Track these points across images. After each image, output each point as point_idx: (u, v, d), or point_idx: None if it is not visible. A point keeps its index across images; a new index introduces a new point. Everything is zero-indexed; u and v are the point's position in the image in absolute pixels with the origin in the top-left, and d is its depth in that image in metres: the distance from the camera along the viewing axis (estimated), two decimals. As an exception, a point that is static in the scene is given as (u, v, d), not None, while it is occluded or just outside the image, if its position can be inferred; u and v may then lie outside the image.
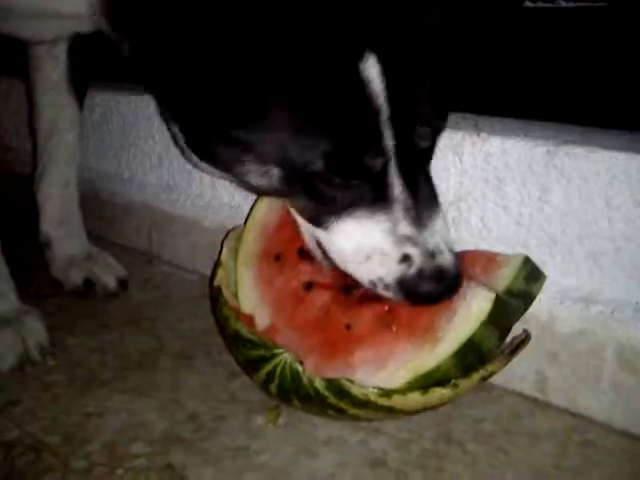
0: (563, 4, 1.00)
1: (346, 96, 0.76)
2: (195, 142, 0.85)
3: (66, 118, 1.24)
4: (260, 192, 0.95)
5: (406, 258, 0.84)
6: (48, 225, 1.27)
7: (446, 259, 0.84)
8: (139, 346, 1.10)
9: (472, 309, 0.85)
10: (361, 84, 0.75)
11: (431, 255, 0.83)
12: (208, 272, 1.31)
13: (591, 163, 0.89)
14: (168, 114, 0.87)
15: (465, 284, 0.87)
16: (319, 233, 0.88)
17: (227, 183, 1.29)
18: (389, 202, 0.83)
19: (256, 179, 0.83)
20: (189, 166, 1.34)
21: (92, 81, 1.28)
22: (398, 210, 0.83)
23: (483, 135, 0.97)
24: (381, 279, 0.85)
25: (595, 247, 0.91)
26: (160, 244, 1.40)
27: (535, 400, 0.96)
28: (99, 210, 1.49)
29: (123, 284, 1.26)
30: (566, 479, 0.82)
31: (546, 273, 0.93)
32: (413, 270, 0.83)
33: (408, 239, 0.83)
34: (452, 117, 0.95)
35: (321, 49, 0.75)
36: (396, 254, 0.84)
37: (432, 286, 0.84)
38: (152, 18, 0.78)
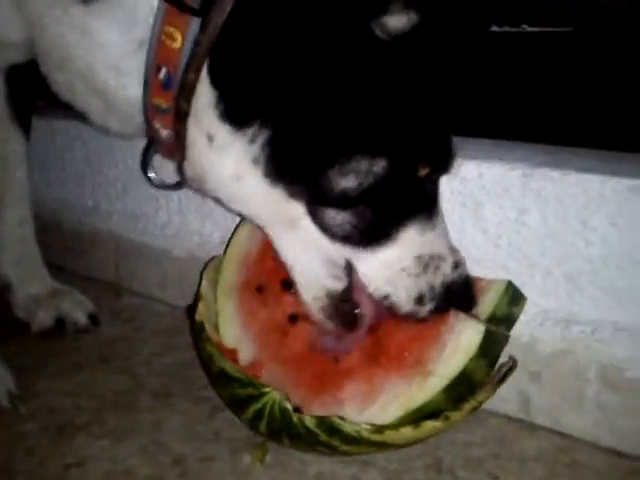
0: (528, 29, 1.01)
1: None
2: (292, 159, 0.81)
3: (13, 153, 1.19)
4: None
5: (457, 265, 0.88)
6: (6, 266, 1.22)
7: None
8: (114, 385, 1.06)
9: (462, 342, 0.85)
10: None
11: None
12: (180, 303, 1.29)
13: (567, 185, 0.90)
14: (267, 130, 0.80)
15: (453, 316, 0.87)
16: (360, 258, 0.85)
17: (195, 210, 1.28)
18: (435, 211, 0.87)
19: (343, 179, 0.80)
20: (156, 193, 1.32)
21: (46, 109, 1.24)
22: (440, 219, 0.88)
23: (458, 160, 0.97)
24: (433, 288, 0.86)
25: (573, 268, 0.92)
26: (128, 275, 1.36)
27: (520, 421, 0.97)
28: (63, 241, 1.44)
29: (94, 320, 1.22)
30: (558, 502, 0.83)
31: (526, 295, 0.94)
32: (458, 275, 0.88)
33: (454, 248, 0.89)
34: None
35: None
36: (450, 260, 0.88)
37: (469, 293, 0.89)
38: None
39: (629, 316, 0.89)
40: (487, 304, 0.91)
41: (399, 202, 0.84)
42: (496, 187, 0.95)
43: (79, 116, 0.93)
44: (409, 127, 0.81)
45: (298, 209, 0.83)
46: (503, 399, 0.96)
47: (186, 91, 0.79)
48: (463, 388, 0.85)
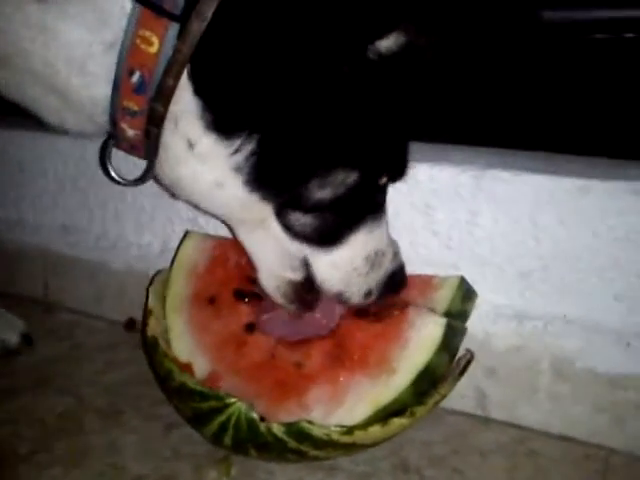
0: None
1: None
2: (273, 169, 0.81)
3: None
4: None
5: (395, 255, 0.94)
6: None
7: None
8: (56, 408, 0.99)
9: (425, 337, 0.86)
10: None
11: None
12: (117, 317, 1.23)
13: (517, 186, 0.94)
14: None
15: (413, 311, 0.88)
16: (316, 255, 0.88)
17: (133, 220, 1.22)
18: (382, 212, 0.92)
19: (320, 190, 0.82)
20: (89, 204, 1.26)
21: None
22: (385, 217, 0.92)
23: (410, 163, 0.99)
24: (378, 283, 0.91)
25: (524, 266, 0.95)
26: (58, 291, 1.29)
27: (477, 417, 0.99)
28: (-17, 257, 1.35)
29: (27, 339, 1.14)
30: (523, 491, 0.86)
31: (479, 293, 0.96)
32: (395, 265, 0.94)
33: (391, 238, 0.94)
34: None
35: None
36: (390, 252, 0.93)
37: (403, 276, 0.95)
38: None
39: (578, 310, 0.93)
40: (442, 300, 0.93)
41: (358, 208, 0.88)
42: (447, 189, 0.97)
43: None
44: (381, 142, 0.84)
45: (267, 211, 0.85)
46: (460, 396, 0.98)
47: (163, 96, 0.77)
48: (427, 383, 0.86)
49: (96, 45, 0.76)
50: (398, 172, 0.89)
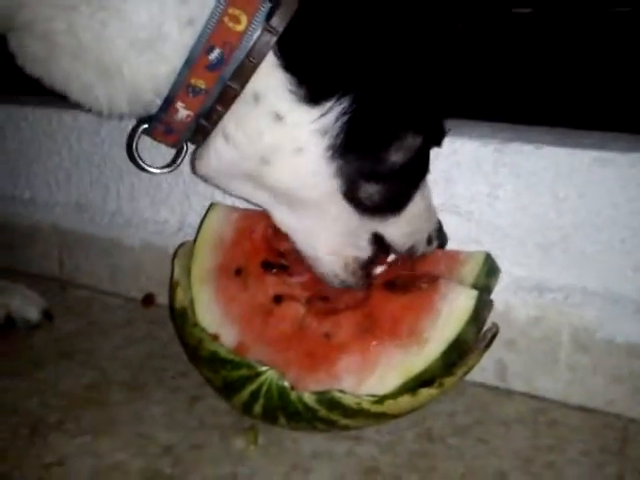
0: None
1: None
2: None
3: None
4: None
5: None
6: None
7: None
8: (81, 380, 1.00)
9: (456, 309, 0.87)
10: None
11: None
12: (133, 294, 1.23)
13: (538, 159, 0.95)
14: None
15: (444, 284, 0.89)
16: (387, 224, 0.91)
17: (149, 196, 1.22)
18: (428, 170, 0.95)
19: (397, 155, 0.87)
20: (104, 180, 1.26)
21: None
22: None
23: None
24: (434, 229, 0.96)
25: (545, 238, 0.96)
26: (73, 268, 1.28)
27: (497, 388, 1.00)
28: (-2, 236, 1.34)
29: (47, 315, 1.14)
30: (546, 457, 0.87)
31: (499, 265, 0.98)
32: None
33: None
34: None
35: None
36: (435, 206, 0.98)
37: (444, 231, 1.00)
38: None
39: (598, 281, 0.95)
40: (468, 275, 0.94)
41: (418, 171, 0.93)
42: (469, 163, 0.98)
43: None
44: (438, 110, 0.91)
45: (335, 187, 0.86)
46: (481, 368, 0.99)
47: (244, 75, 0.80)
48: (456, 354, 0.87)
49: (170, 23, 0.77)
50: (440, 138, 0.94)
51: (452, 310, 0.86)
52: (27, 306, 1.13)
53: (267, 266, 0.94)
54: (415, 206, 0.92)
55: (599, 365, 0.95)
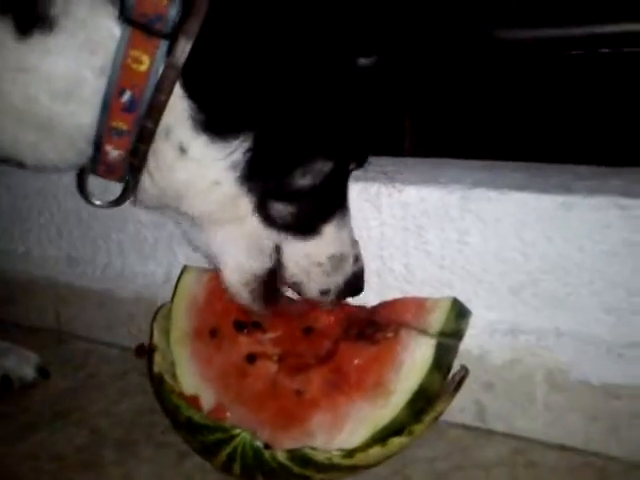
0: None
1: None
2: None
3: None
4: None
5: (356, 259, 1.00)
6: None
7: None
8: (75, 441, 1.03)
9: (417, 358, 0.90)
10: None
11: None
12: (127, 344, 1.27)
13: (503, 204, 0.95)
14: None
15: (405, 333, 0.91)
16: (290, 244, 0.95)
17: (136, 250, 1.26)
18: (347, 211, 1.00)
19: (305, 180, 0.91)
20: (93, 235, 1.30)
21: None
22: (349, 219, 1.00)
23: (398, 186, 1.01)
24: (336, 285, 0.98)
25: (515, 282, 0.97)
26: (70, 320, 1.33)
27: (477, 429, 1.02)
28: (-6, 290, 1.39)
29: (43, 372, 1.18)
30: (522, 504, 0.89)
31: (472, 310, 0.98)
32: (356, 268, 1.00)
33: (355, 240, 1.01)
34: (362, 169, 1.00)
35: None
36: (352, 255, 1.00)
37: (362, 283, 1.02)
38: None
39: (569, 322, 0.95)
40: (435, 322, 0.95)
41: (329, 198, 0.96)
42: (437, 210, 0.99)
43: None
44: (353, 135, 0.95)
45: (248, 205, 0.91)
46: (460, 409, 1.01)
47: (155, 112, 0.83)
48: (422, 401, 0.90)
49: (85, 73, 0.81)
50: (362, 160, 0.99)
51: (413, 360, 0.89)
52: (23, 365, 1.16)
53: (239, 326, 0.97)
54: (320, 242, 0.96)
55: (575, 405, 0.95)
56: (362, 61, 0.90)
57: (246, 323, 0.99)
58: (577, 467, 0.94)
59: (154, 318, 1.02)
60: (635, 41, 0.94)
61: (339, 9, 0.86)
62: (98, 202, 0.99)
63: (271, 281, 0.98)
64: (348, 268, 0.99)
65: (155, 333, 0.98)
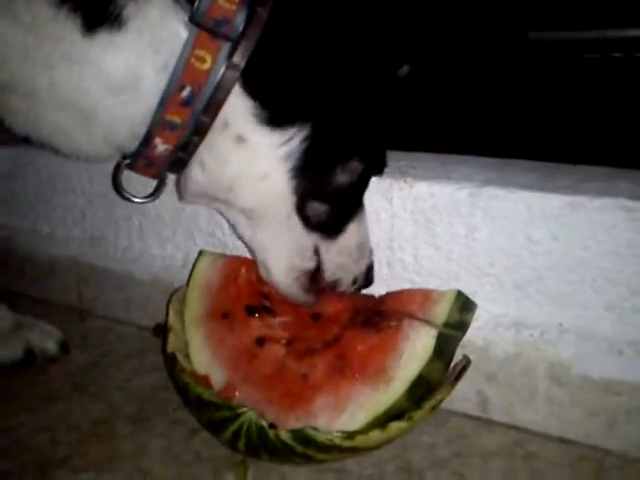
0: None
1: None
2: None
3: None
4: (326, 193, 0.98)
5: (371, 252, 1.07)
6: None
7: None
8: (91, 414, 1.08)
9: (417, 348, 0.93)
10: None
11: None
12: (144, 323, 1.32)
13: (511, 203, 0.98)
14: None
15: (407, 323, 0.94)
16: (326, 244, 1.00)
17: (156, 234, 1.30)
18: (364, 207, 1.04)
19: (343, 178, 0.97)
20: (115, 217, 1.34)
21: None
22: (365, 213, 1.05)
23: (410, 180, 1.04)
24: (362, 271, 1.04)
25: (520, 277, 1.00)
26: (91, 299, 1.38)
27: (479, 419, 1.05)
28: (19, 267, 1.44)
29: (64, 347, 1.23)
30: (518, 493, 0.92)
31: (478, 303, 1.01)
32: (370, 260, 1.07)
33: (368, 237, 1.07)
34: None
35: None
36: (369, 247, 1.06)
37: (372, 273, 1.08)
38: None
39: (572, 319, 0.98)
40: (440, 313, 0.97)
41: (356, 197, 1.03)
42: (447, 206, 1.02)
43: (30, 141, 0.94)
44: (382, 138, 1.02)
45: (291, 202, 0.95)
46: (463, 399, 1.04)
47: (213, 107, 0.88)
48: (423, 389, 0.93)
49: (146, 69, 0.86)
50: (381, 167, 1.04)
51: (414, 349, 0.92)
52: (46, 340, 1.21)
53: (250, 310, 1.01)
54: (348, 239, 1.01)
55: (576, 399, 0.98)
56: (402, 70, 0.97)
57: (257, 307, 1.02)
58: (575, 460, 0.96)
59: (170, 300, 1.06)
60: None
61: (386, 16, 0.93)
62: (131, 196, 1.04)
63: (316, 276, 1.02)
64: (369, 252, 1.05)
65: (170, 314, 1.03)
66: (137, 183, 1.06)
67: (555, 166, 1.05)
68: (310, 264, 1.01)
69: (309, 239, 0.99)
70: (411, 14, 0.95)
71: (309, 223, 0.97)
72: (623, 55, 0.93)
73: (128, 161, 0.98)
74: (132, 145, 0.93)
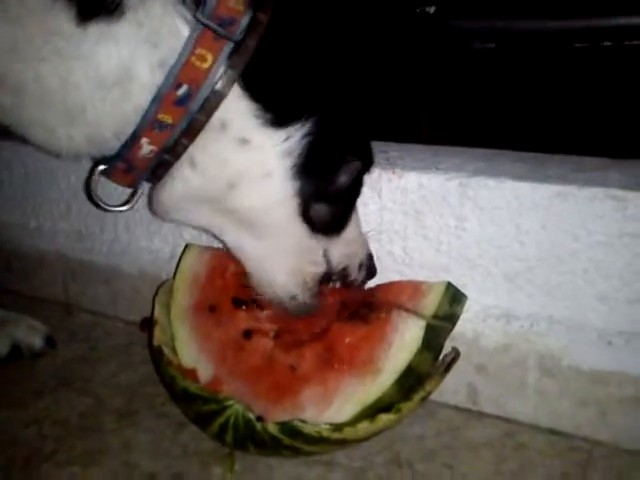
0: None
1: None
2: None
3: None
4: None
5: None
6: None
7: None
8: (78, 409, 1.07)
9: (406, 339, 0.92)
10: None
11: None
12: (132, 318, 1.30)
13: (500, 192, 0.97)
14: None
15: (396, 315, 0.93)
16: (333, 243, 0.99)
17: (143, 227, 1.29)
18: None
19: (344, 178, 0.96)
20: (101, 211, 1.32)
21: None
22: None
23: (398, 171, 1.03)
24: (365, 256, 1.03)
25: (510, 268, 0.99)
26: (77, 293, 1.36)
27: (469, 411, 1.04)
28: (6, 262, 1.43)
29: (51, 342, 1.22)
30: (507, 483, 0.91)
31: (467, 294, 1.00)
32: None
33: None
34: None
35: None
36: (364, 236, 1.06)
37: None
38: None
39: (562, 310, 0.97)
40: (429, 305, 0.97)
41: (355, 193, 1.01)
42: (435, 197, 1.01)
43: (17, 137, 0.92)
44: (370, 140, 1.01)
45: (294, 205, 0.93)
46: (453, 391, 1.04)
47: (210, 106, 0.85)
48: (411, 380, 0.92)
49: (140, 64, 0.82)
50: (371, 164, 1.02)
51: (402, 341, 0.91)
52: (32, 335, 1.20)
53: (237, 303, 1.00)
54: (351, 229, 1.00)
55: (565, 390, 0.97)
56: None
57: (244, 300, 1.01)
58: (565, 451, 0.96)
59: (156, 293, 1.04)
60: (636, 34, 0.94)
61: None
62: (107, 205, 0.99)
63: (324, 278, 1.01)
64: (366, 240, 1.05)
65: (156, 307, 1.02)
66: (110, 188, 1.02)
67: (545, 156, 1.05)
68: (321, 269, 0.99)
69: (316, 243, 0.97)
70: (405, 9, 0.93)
71: (314, 226, 0.95)
72: (613, 44, 0.93)
73: (103, 167, 0.94)
74: (114, 146, 0.89)
